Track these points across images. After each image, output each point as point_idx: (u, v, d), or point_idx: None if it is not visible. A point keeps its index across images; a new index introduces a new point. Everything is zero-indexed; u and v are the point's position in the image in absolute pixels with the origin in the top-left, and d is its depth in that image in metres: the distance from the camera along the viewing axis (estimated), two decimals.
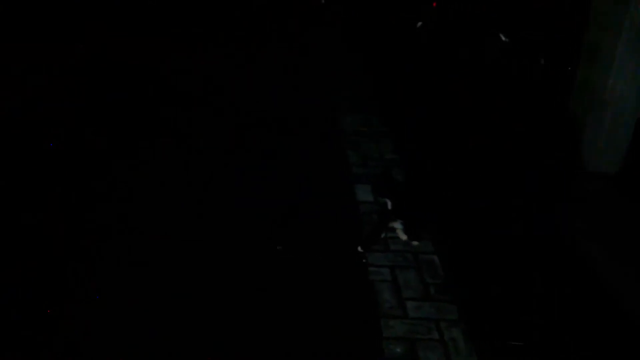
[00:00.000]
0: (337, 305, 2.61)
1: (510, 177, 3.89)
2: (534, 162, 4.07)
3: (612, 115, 3.81)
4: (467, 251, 3.08)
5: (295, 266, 2.89)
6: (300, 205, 3.48)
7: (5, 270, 2.76)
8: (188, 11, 8.43)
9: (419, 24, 6.83)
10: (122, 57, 6.29)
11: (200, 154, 4.16)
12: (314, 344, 2.36)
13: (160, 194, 3.56)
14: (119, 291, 2.63)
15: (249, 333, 2.40)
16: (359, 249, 3.01)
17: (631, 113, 3.79)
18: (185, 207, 3.41)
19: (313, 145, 4.41)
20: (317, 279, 2.80)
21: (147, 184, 3.67)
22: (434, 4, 6.86)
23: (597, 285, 2.85)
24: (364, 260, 2.94)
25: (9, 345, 2.28)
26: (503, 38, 5.64)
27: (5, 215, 3.26)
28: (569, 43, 4.45)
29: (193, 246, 3.00)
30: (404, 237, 3.13)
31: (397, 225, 3.13)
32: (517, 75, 5.36)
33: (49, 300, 2.54)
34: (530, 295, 2.75)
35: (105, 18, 7.75)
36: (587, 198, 3.73)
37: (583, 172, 3.98)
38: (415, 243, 3.10)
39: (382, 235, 3.13)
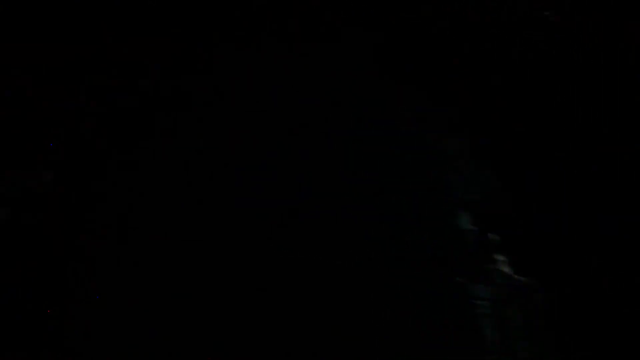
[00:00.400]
0: (434, 337, 2.50)
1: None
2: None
3: None
4: (572, 287, 2.85)
5: (393, 293, 2.79)
6: (398, 231, 3.32)
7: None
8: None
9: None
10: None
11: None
12: None
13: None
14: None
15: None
16: (459, 279, 2.87)
17: None
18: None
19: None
20: (412, 308, 2.68)
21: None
22: None
23: None
24: (464, 292, 2.81)
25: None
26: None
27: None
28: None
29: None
30: (507, 269, 2.96)
31: (501, 257, 2.99)
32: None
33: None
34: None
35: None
36: None
37: None
38: (520, 277, 2.91)
39: (484, 267, 2.97)
